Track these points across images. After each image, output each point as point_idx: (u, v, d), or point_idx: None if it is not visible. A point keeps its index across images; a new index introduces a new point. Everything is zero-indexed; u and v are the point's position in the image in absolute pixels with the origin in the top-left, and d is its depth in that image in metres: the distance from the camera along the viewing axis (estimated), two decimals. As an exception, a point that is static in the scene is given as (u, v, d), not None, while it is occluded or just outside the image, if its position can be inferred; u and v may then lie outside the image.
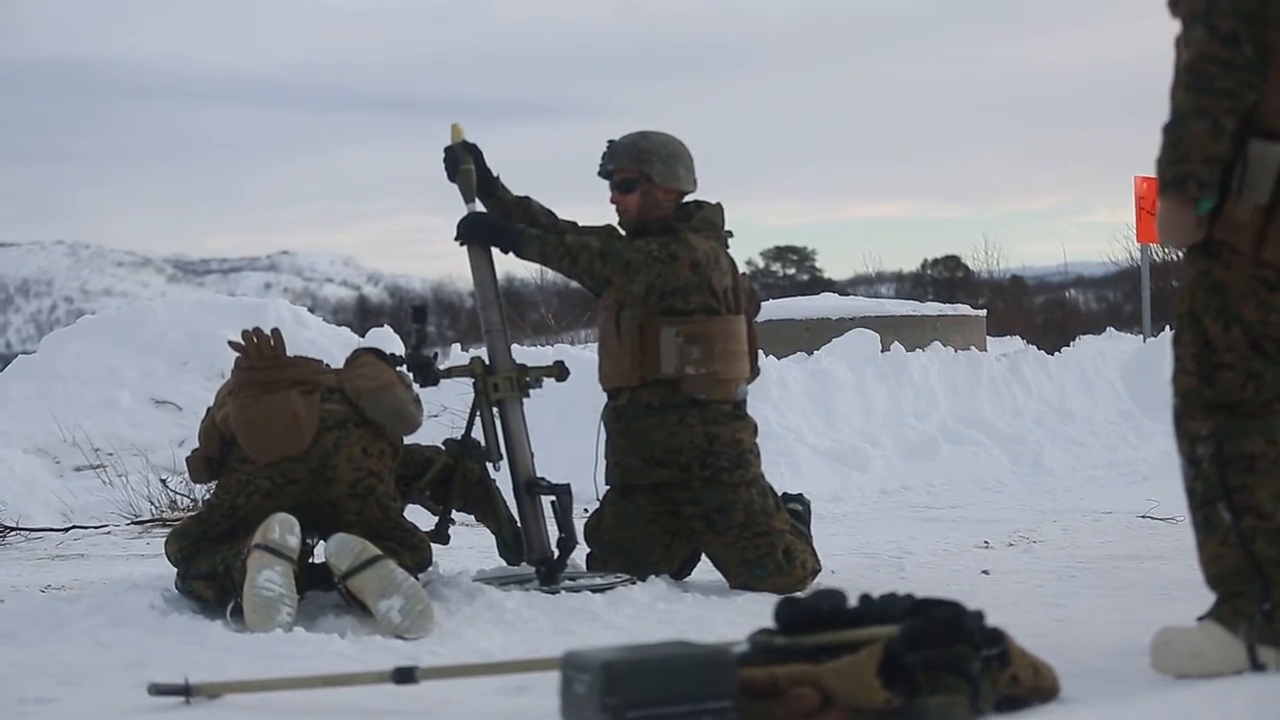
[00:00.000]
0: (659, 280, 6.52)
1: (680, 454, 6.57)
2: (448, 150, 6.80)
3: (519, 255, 6.64)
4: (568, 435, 10.88)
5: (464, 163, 6.76)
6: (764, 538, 6.53)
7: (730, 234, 6.82)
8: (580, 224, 6.87)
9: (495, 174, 6.83)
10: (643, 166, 6.69)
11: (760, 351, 6.92)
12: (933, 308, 16.57)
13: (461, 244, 6.73)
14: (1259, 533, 4.41)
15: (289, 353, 6.17)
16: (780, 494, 6.76)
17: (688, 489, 6.58)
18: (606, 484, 6.76)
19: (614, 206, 6.80)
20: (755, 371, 6.78)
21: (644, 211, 6.71)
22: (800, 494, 7.06)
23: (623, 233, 6.80)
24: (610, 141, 6.81)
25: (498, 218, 6.76)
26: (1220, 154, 4.37)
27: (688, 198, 6.79)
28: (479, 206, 6.77)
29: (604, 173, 6.80)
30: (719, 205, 6.81)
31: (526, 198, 6.86)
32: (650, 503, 6.64)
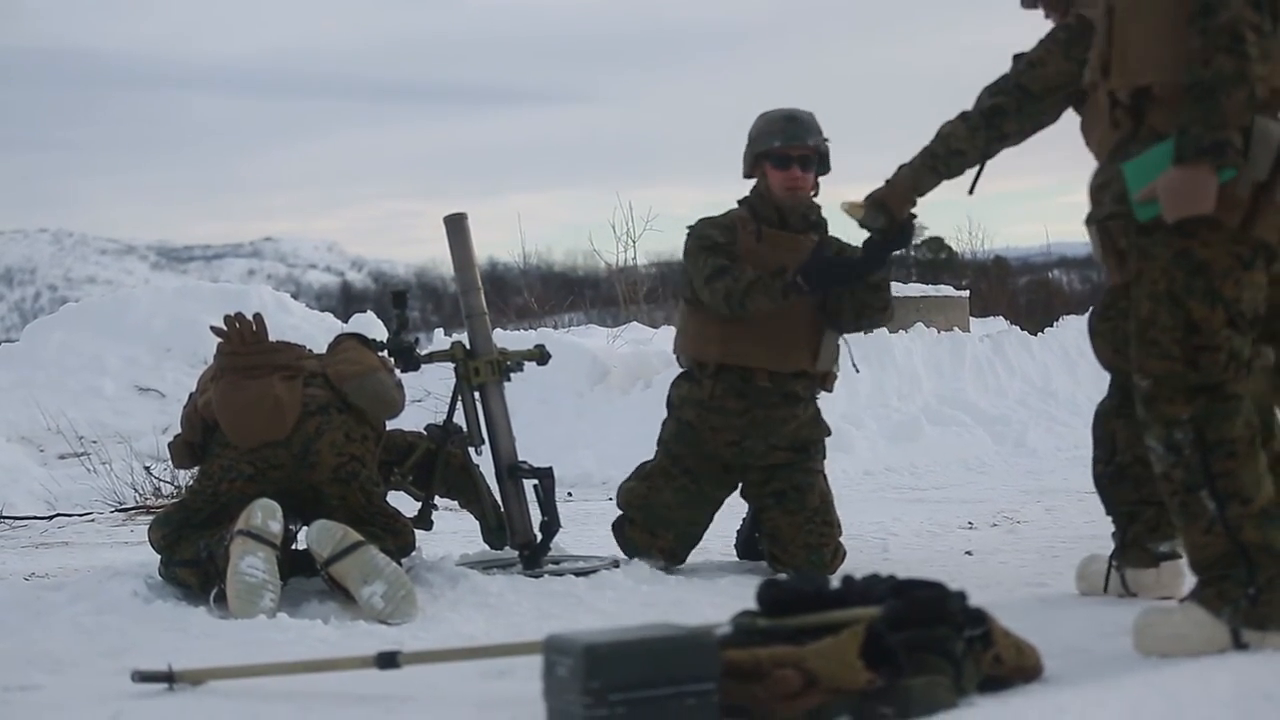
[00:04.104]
0: None
1: (810, 443, 6.68)
2: (880, 229, 6.17)
3: (871, 269, 6.34)
4: (550, 419, 10.91)
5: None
6: (829, 527, 6.60)
7: None
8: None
9: None
10: (824, 146, 6.59)
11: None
12: (916, 289, 16.57)
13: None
14: (1245, 519, 4.40)
15: (271, 338, 6.16)
16: None
17: (768, 470, 6.61)
18: (670, 454, 6.67)
19: (783, 182, 6.51)
20: None
21: (814, 192, 6.63)
22: None
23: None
24: (791, 116, 6.52)
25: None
26: (1247, 124, 4.32)
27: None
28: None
29: (792, 145, 6.50)
30: None
31: None
32: (715, 486, 6.65)
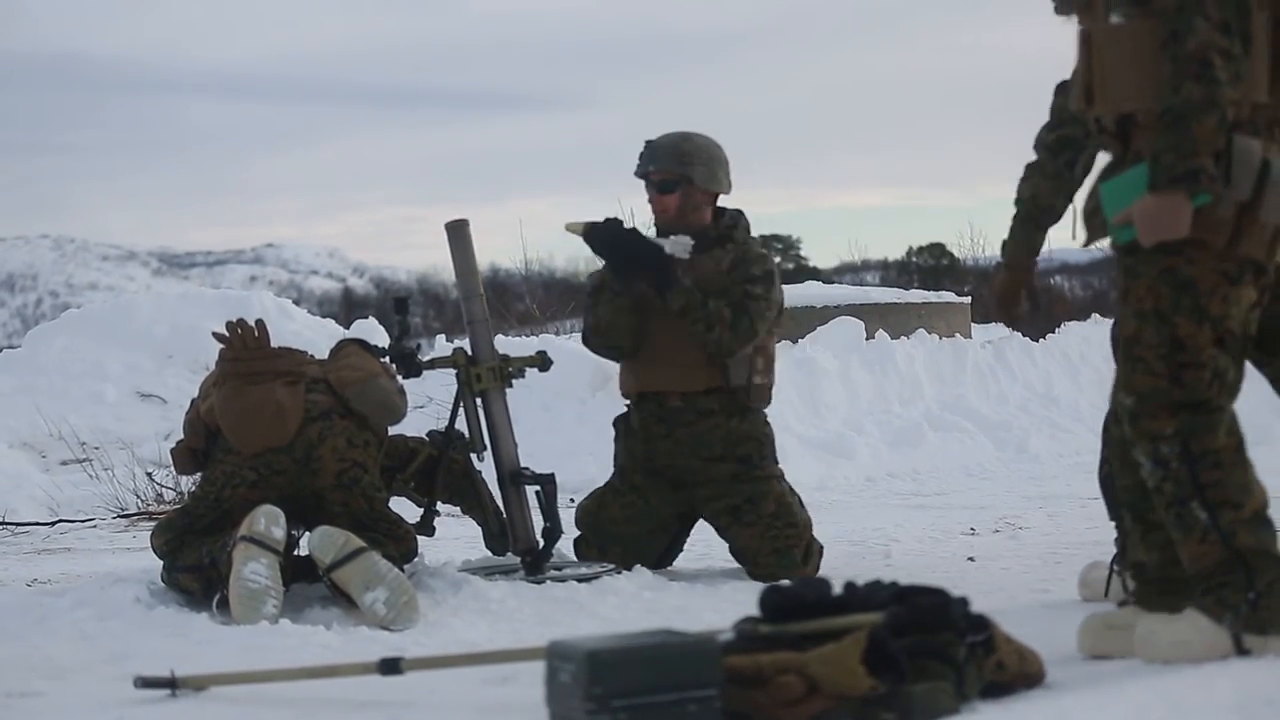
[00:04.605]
0: (765, 331, 6.62)
1: (742, 444, 6.64)
2: (590, 232, 6.61)
3: (664, 298, 6.54)
4: (551, 425, 10.90)
5: (612, 228, 6.63)
6: (792, 529, 6.58)
7: None
8: None
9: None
10: (684, 169, 6.64)
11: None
12: (918, 295, 16.55)
13: (618, 271, 6.63)
14: (1238, 525, 4.42)
15: (273, 344, 6.16)
16: None
17: (718, 484, 6.61)
18: (619, 472, 6.79)
19: (651, 207, 6.76)
20: None
21: (683, 213, 6.68)
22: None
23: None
24: (649, 142, 6.74)
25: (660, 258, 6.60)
26: (1220, 148, 4.34)
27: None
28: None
29: (642, 173, 6.73)
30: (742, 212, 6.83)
31: None
32: (664, 502, 6.67)
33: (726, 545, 6.73)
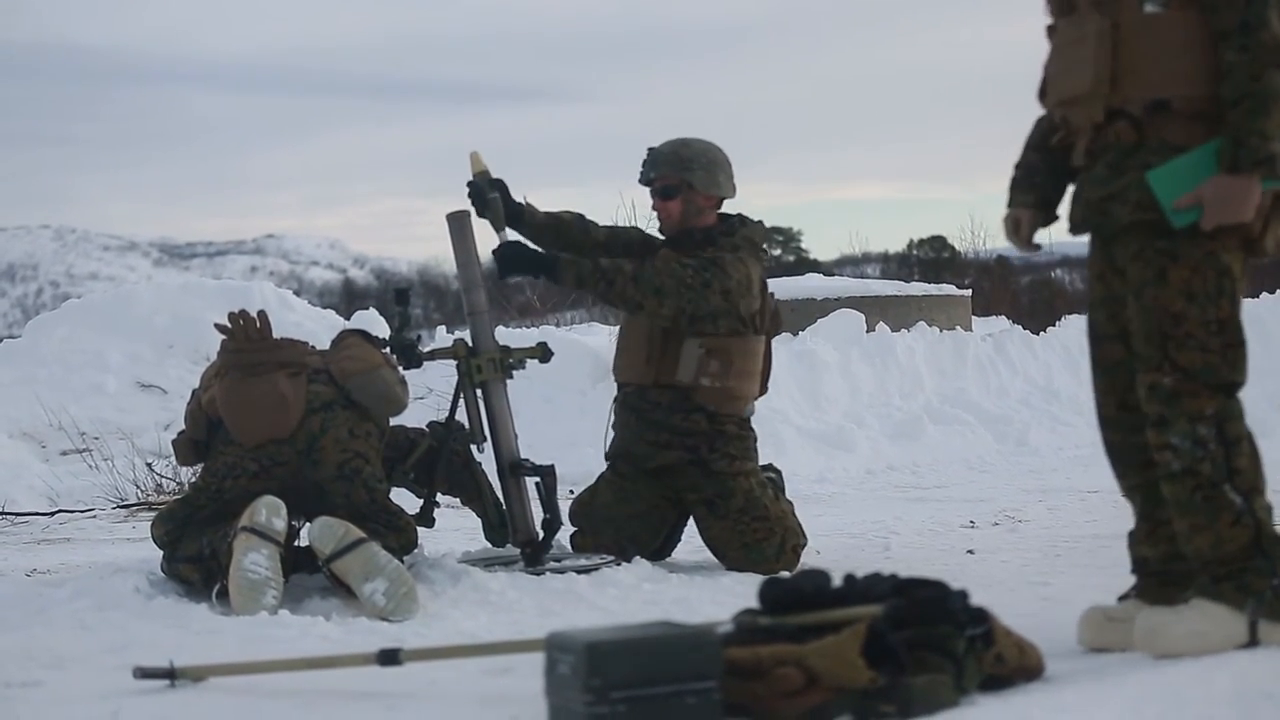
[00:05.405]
0: (689, 306, 6.49)
1: (689, 437, 6.63)
2: (471, 184, 6.72)
3: (557, 283, 6.61)
4: (552, 417, 10.90)
5: (490, 193, 6.69)
6: (763, 523, 6.57)
7: (767, 252, 6.88)
8: (615, 226, 7.01)
9: (522, 200, 6.79)
10: (684, 174, 6.69)
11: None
12: (918, 288, 16.57)
13: (502, 278, 6.88)
14: (1264, 511, 4.49)
15: (275, 335, 6.16)
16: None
17: (689, 475, 6.62)
18: (607, 460, 6.83)
19: (655, 213, 6.82)
20: (763, 390, 6.83)
21: (686, 218, 6.73)
22: (770, 464, 7.08)
23: (660, 237, 6.86)
24: (650, 149, 6.79)
25: (533, 246, 6.68)
26: None
27: (726, 204, 6.83)
28: (510, 235, 6.72)
29: (645, 180, 6.78)
30: (761, 224, 6.81)
31: (557, 216, 6.84)
32: (650, 488, 6.68)
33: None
